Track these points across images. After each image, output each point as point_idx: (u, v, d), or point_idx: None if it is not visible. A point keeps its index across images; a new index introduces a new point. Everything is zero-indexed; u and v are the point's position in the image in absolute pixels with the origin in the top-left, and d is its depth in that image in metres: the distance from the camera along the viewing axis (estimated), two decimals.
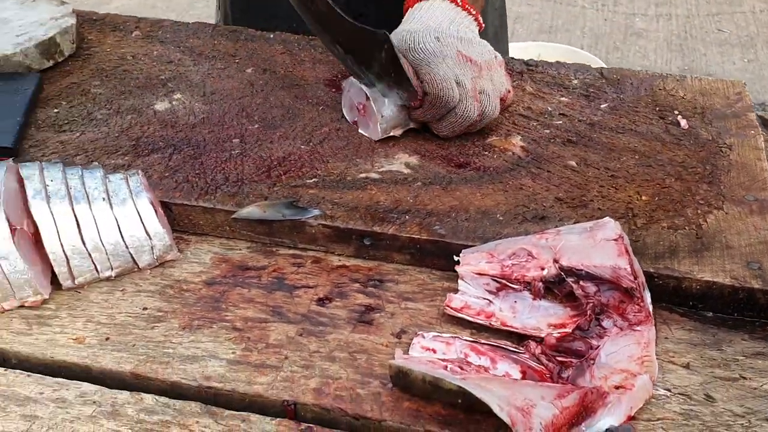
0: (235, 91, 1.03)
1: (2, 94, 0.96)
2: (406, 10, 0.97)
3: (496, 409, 0.58)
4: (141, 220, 0.76)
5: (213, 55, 1.11)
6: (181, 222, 0.83)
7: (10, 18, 1.10)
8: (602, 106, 1.01)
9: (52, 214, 0.73)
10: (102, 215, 0.75)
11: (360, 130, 0.94)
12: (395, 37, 0.94)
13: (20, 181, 0.75)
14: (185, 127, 0.95)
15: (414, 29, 0.92)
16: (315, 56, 1.10)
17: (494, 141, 0.94)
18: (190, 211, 0.83)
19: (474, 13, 0.96)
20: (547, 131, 0.96)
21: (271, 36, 1.15)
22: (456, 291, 0.75)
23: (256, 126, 0.96)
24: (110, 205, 0.76)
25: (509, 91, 0.94)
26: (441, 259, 0.78)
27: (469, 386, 0.60)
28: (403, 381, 0.65)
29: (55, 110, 0.98)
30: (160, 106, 0.99)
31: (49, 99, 1.00)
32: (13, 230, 0.71)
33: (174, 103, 1.00)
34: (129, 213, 0.76)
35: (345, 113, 0.97)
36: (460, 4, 0.95)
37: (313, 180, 0.87)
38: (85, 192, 0.75)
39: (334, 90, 1.04)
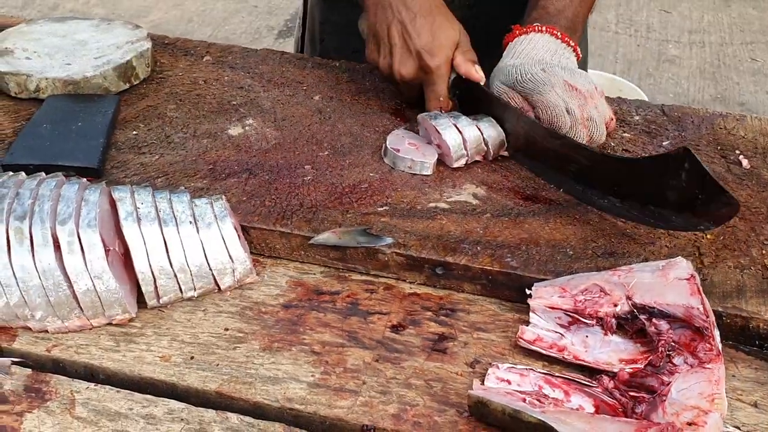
0: (305, 117, 1.06)
1: (85, 115, 0.99)
2: (506, 45, 1.01)
3: None
4: (225, 243, 0.79)
5: (281, 81, 1.14)
6: (258, 245, 0.86)
7: (87, 40, 1.14)
8: (664, 143, 1.03)
9: (143, 236, 0.77)
10: (189, 238, 0.78)
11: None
12: (498, 72, 0.98)
13: (112, 204, 0.79)
14: (259, 153, 0.99)
15: (518, 63, 0.96)
16: (378, 85, 1.13)
17: None
18: (268, 235, 0.86)
19: (573, 45, 0.99)
20: None
21: (337, 64, 1.18)
22: (527, 323, 0.77)
23: (326, 153, 0.99)
24: (197, 228, 0.79)
25: (612, 119, 0.97)
26: (512, 290, 0.81)
27: (550, 420, 0.62)
28: (481, 411, 0.67)
29: (134, 132, 1.01)
30: (234, 131, 1.03)
31: (127, 121, 1.03)
32: (106, 251, 0.75)
33: (247, 128, 1.03)
34: (214, 236, 0.79)
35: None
36: (560, 36, 0.99)
37: (384, 208, 0.89)
38: (174, 215, 0.79)
39: (399, 119, 1.06)
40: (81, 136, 0.95)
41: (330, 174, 0.95)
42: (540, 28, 0.99)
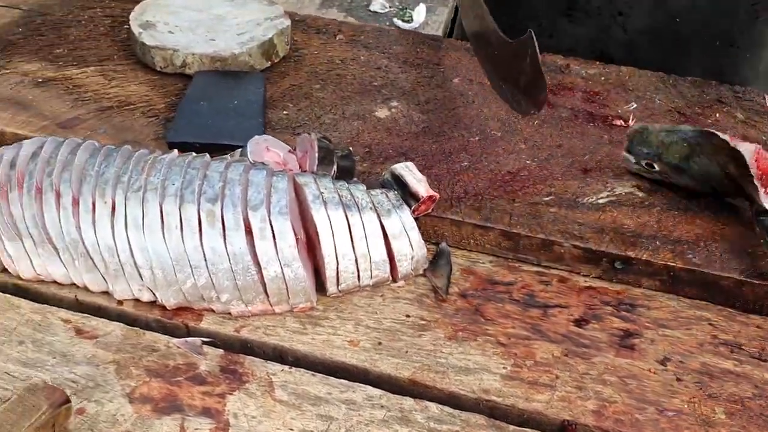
0: (448, 101, 1.05)
1: (237, 93, 0.99)
2: None
3: None
4: (405, 230, 0.79)
5: (417, 62, 1.13)
6: (425, 232, 0.85)
7: (224, 15, 1.14)
8: None
9: (329, 219, 0.76)
10: (370, 224, 0.78)
11: None
12: None
13: (295, 191, 0.78)
14: (409, 136, 0.98)
15: None
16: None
17: None
18: (437, 222, 0.85)
19: None
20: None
21: (471, 46, 1.17)
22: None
23: (477, 138, 0.98)
24: (377, 215, 0.78)
25: None
26: (692, 287, 0.80)
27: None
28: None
29: (284, 112, 1.01)
30: (381, 113, 1.02)
31: (274, 100, 1.03)
32: (295, 239, 0.74)
33: (393, 110, 1.03)
34: (394, 224, 0.79)
35: None
36: None
37: (550, 198, 0.88)
38: (355, 202, 0.78)
39: (546, 105, 1.05)
40: (239, 115, 0.95)
41: (486, 160, 0.94)
42: None
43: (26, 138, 0.92)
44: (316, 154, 0.81)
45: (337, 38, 1.18)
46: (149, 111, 0.99)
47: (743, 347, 0.75)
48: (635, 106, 1.04)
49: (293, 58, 1.12)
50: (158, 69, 1.06)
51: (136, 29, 1.08)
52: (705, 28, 1.19)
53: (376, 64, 1.12)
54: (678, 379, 0.72)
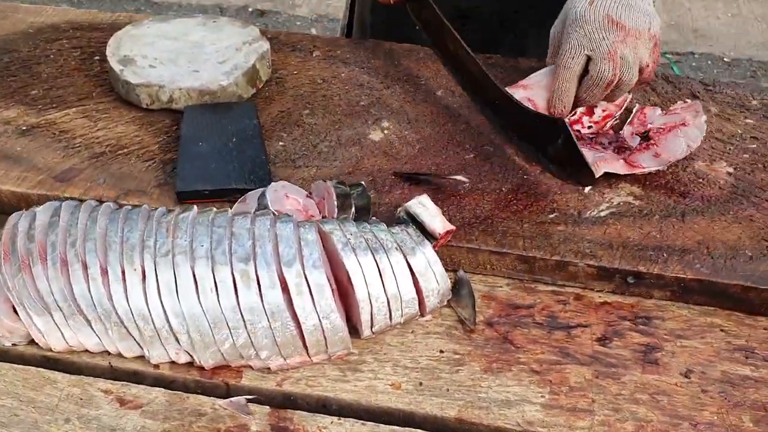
0: (437, 116, 1.07)
1: (233, 128, 0.98)
2: None
3: None
4: (430, 266, 0.81)
5: (398, 76, 1.14)
6: (441, 261, 0.87)
7: (201, 42, 1.12)
8: None
9: (360, 265, 0.78)
10: (398, 265, 0.80)
11: None
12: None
13: (320, 238, 0.79)
14: (409, 159, 0.99)
15: None
16: (496, 75, 1.14)
17: (701, 167, 0.99)
18: (454, 251, 0.88)
19: None
20: (746, 156, 1.01)
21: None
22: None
23: (472, 155, 1.00)
24: (404, 254, 0.80)
25: (648, 66, 0.96)
26: (700, 295, 0.84)
27: None
28: None
29: (281, 143, 1.01)
30: (375, 135, 1.03)
31: (266, 130, 1.03)
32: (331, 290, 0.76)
33: (386, 132, 1.04)
34: (420, 261, 0.81)
35: None
36: None
37: (554, 215, 0.91)
38: (381, 244, 0.80)
39: None
40: (240, 153, 0.95)
41: (485, 179, 0.96)
42: None
43: (26, 195, 0.91)
44: (335, 202, 0.82)
45: (314, 55, 1.18)
46: (144, 154, 0.98)
47: (756, 351, 0.80)
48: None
49: (274, 81, 1.12)
50: (144, 107, 1.04)
51: (116, 66, 1.06)
52: None
53: (358, 81, 1.13)
54: (703, 391, 0.76)
